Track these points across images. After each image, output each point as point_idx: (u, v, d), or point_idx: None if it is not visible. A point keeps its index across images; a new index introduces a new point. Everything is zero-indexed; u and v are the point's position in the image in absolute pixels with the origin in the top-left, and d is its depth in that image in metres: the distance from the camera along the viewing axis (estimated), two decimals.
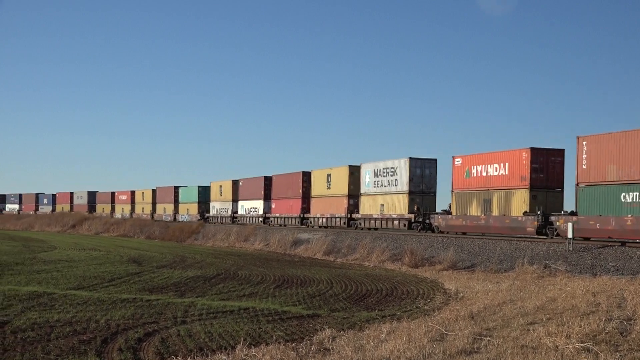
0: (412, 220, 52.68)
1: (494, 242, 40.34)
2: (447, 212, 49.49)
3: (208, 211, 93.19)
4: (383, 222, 56.53)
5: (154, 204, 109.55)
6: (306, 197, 69.33)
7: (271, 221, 76.19)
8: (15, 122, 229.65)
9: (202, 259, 45.68)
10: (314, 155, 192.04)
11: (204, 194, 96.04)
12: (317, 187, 67.32)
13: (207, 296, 25.86)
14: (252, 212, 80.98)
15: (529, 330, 16.25)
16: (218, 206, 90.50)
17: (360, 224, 60.03)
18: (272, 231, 64.80)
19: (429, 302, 25.67)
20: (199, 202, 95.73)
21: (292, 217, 71.58)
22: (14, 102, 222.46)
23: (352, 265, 43.35)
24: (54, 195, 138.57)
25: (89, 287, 27.75)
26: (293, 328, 19.20)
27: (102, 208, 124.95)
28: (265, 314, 21.79)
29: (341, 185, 63.09)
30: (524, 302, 21.76)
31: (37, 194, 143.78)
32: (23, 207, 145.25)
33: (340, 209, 63.02)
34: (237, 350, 15.70)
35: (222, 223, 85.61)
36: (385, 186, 56.88)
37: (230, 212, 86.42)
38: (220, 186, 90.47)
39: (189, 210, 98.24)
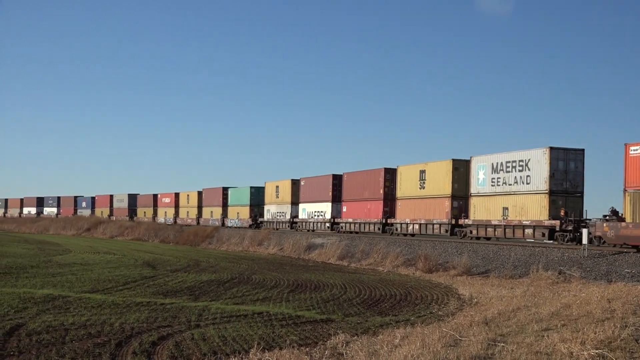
0: (557, 229, 41.44)
1: (509, 248, 40.22)
2: (616, 218, 36.89)
3: (261, 215, 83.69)
4: (507, 230, 44.91)
5: (200, 207, 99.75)
6: (389, 199, 58.41)
7: (341, 227, 65.71)
8: (53, 124, 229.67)
9: (216, 263, 45.74)
10: (386, 152, 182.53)
11: (257, 195, 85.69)
12: (406, 186, 55.62)
13: (221, 300, 25.89)
14: (316, 217, 70.45)
15: (543, 336, 16.18)
16: (274, 210, 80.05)
17: (470, 232, 48.48)
18: (286, 235, 64.81)
19: (443, 307, 25.61)
20: (250, 205, 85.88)
21: (369, 223, 61.05)
22: (52, 104, 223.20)
23: (365, 270, 43.32)
24: (93, 198, 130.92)
25: (103, 290, 27.82)
26: (307, 333, 19.19)
27: (144, 212, 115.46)
28: (279, 318, 21.79)
29: (441, 183, 51.54)
30: (539, 308, 21.67)
31: (75, 197, 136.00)
32: (61, 210, 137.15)
33: (439, 213, 51.85)
34: (250, 355, 15.72)
35: (276, 229, 76.38)
36: (510, 184, 45.01)
37: (288, 216, 76.36)
38: (277, 187, 79.82)
39: (239, 214, 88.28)
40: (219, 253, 60.41)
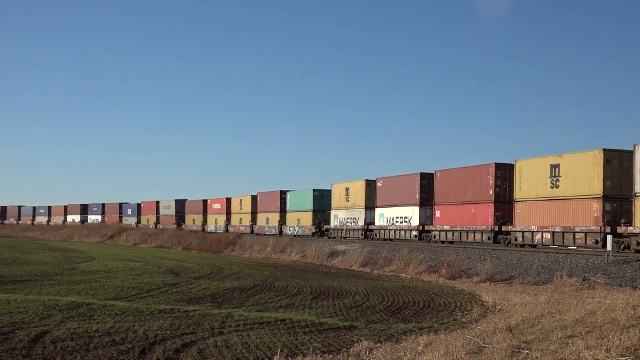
0: None
1: (532, 255, 40.00)
2: None
3: (327, 221, 73.03)
4: None
5: (254, 213, 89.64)
6: (501, 201, 47.97)
7: (433, 236, 54.75)
8: (97, 130, 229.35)
9: (239, 270, 45.81)
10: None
11: (322, 199, 75.46)
12: (529, 185, 44.49)
13: (244, 307, 25.91)
14: (399, 223, 59.21)
15: (567, 343, 16.08)
16: (343, 215, 68.93)
17: (638, 243, 36.61)
18: (308, 242, 64.75)
19: (467, 314, 25.52)
20: (314, 211, 75.11)
21: (474, 231, 49.76)
22: (95, 109, 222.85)
23: (388, 277, 43.26)
24: (138, 205, 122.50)
25: (127, 297, 27.94)
26: (330, 339, 19.17)
27: (192, 219, 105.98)
28: (302, 325, 21.78)
29: (585, 180, 40.48)
30: (563, 315, 21.55)
31: (120, 204, 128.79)
32: (106, 218, 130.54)
33: (582, 218, 40.58)
34: None
35: (344, 237, 67.24)
36: None
37: (362, 222, 64.86)
38: (347, 188, 68.68)
39: (300, 220, 77.63)
40: (242, 260, 60.51)
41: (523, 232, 44.82)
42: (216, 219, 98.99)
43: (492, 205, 48.08)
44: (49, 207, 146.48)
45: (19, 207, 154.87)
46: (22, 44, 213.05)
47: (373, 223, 63.64)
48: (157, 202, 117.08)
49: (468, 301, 29.48)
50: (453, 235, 52.20)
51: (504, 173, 48.06)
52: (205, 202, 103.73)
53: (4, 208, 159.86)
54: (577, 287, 31.44)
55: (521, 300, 27.93)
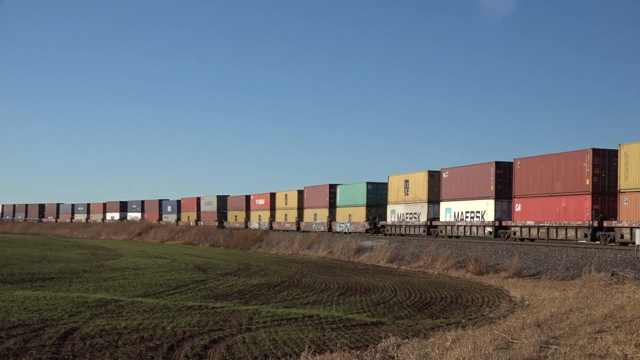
0: None
1: (560, 249, 39.76)
2: None
3: (383, 217, 65.82)
4: None
5: (300, 209, 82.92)
6: (599, 193, 41.02)
7: (513, 233, 47.99)
8: (136, 125, 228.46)
9: (266, 266, 45.90)
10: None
11: (376, 193, 68.57)
12: (637, 173, 37.44)
13: (272, 303, 25.97)
14: (470, 219, 52.85)
15: (596, 338, 16.00)
16: (401, 210, 61.58)
17: None
18: (335, 239, 64.73)
19: (494, 309, 25.44)
20: (367, 206, 68.16)
21: (568, 227, 42.68)
22: (135, 106, 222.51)
23: (415, 273, 43.20)
24: (178, 202, 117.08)
25: (155, 294, 28.07)
26: (357, 336, 19.17)
27: (235, 216, 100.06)
28: (330, 321, 21.79)
29: None
30: (591, 310, 21.43)
31: (160, 200, 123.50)
32: (145, 215, 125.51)
33: None
34: (301, 358, 15.77)
35: (403, 235, 60.75)
36: None
37: (424, 218, 58.25)
38: (406, 181, 61.50)
39: (351, 216, 70.70)
40: (269, 256, 60.63)
41: (632, 227, 37.48)
42: (259, 216, 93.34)
43: (589, 197, 41.33)
44: (88, 205, 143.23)
45: (58, 204, 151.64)
46: (69, 44, 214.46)
47: (437, 219, 57.19)
48: (198, 199, 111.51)
49: (496, 297, 29.39)
50: (539, 232, 45.39)
51: (603, 160, 41.68)
52: (247, 197, 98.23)
53: (42, 206, 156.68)
54: (606, 282, 31.25)
55: (549, 296, 27.80)
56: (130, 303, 24.84)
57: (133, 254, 57.80)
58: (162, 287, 30.95)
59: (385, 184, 66.07)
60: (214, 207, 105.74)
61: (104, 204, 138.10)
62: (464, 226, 53.18)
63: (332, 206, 75.45)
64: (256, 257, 58.01)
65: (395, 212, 62.75)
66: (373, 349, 16.89)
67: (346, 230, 70.60)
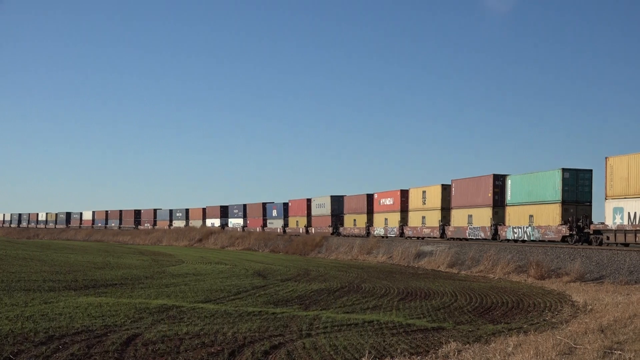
0: None
1: (624, 254, 39.16)
2: None
3: (589, 217, 48.93)
4: None
5: (445, 209, 64.86)
6: None
7: None
8: (235, 129, 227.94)
9: (326, 272, 45.95)
10: None
11: (575, 184, 49.78)
12: None
13: (332, 309, 25.99)
14: None
15: None
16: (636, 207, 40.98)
17: None
18: (394, 243, 64.55)
19: (557, 314, 25.17)
20: (563, 203, 49.35)
21: None
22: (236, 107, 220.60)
23: (476, 278, 42.91)
24: (285, 205, 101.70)
25: (216, 300, 28.27)
26: (418, 341, 19.10)
27: (353, 220, 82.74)
28: (390, 326, 21.75)
29: None
30: None
31: (264, 204, 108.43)
32: (248, 221, 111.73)
33: None
34: None
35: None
36: None
37: None
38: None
39: (533, 217, 52.41)
40: (328, 262, 60.66)
41: None
42: (386, 219, 75.17)
43: None
44: (187, 210, 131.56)
45: (155, 210, 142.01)
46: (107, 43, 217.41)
47: None
48: (308, 200, 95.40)
49: (558, 301, 29.05)
50: None
51: None
52: (370, 197, 79.99)
53: (139, 212, 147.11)
54: None
55: (613, 300, 27.41)
56: (191, 309, 25.05)
57: (194, 260, 58.25)
58: (222, 293, 31.15)
59: (589, 172, 50.24)
60: (327, 209, 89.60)
61: (204, 209, 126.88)
62: None
63: (500, 204, 57.13)
64: (316, 263, 58.07)
65: (622, 212, 42.11)
66: (434, 355, 16.84)
67: (527, 237, 52.82)
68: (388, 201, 75.10)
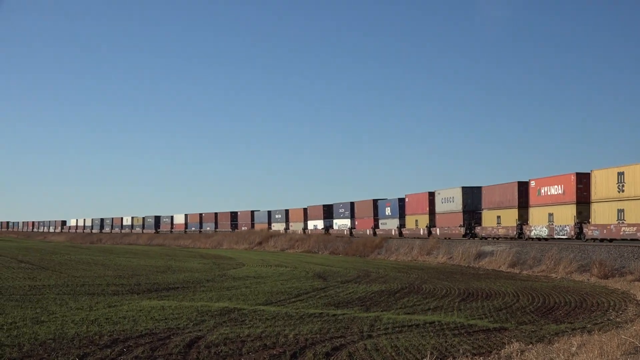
0: None
1: None
2: None
3: None
4: None
5: (584, 203, 50.65)
6: None
7: None
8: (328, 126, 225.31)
9: (386, 273, 45.86)
10: None
11: None
12: None
13: (392, 310, 25.96)
14: None
15: None
16: None
17: None
18: (455, 244, 64.16)
19: (621, 314, 24.82)
20: None
21: None
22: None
23: (538, 277, 42.47)
24: (400, 200, 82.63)
25: (276, 302, 28.42)
26: (480, 342, 19.00)
27: (497, 217, 63.28)
28: (451, 327, 21.66)
29: None
30: None
31: (375, 201, 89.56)
32: (356, 222, 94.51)
33: None
34: None
35: None
36: None
37: None
38: None
39: None
40: (388, 263, 60.50)
41: None
42: (551, 215, 54.98)
43: None
44: (286, 211, 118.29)
45: (252, 212, 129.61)
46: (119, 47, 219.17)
47: None
48: (431, 194, 76.01)
49: (622, 300, 28.65)
50: None
51: None
52: (523, 185, 60.05)
53: (235, 214, 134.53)
54: None
55: None
56: (252, 311, 25.22)
57: (254, 263, 58.52)
58: (283, 295, 31.30)
59: None
60: (457, 204, 69.92)
61: (305, 210, 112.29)
62: None
63: None
64: (376, 264, 57.98)
65: None
66: (496, 355, 16.74)
67: None
68: (554, 190, 54.93)
